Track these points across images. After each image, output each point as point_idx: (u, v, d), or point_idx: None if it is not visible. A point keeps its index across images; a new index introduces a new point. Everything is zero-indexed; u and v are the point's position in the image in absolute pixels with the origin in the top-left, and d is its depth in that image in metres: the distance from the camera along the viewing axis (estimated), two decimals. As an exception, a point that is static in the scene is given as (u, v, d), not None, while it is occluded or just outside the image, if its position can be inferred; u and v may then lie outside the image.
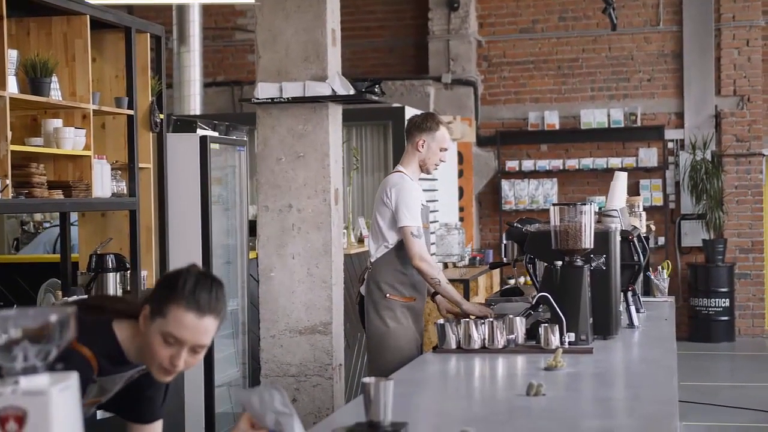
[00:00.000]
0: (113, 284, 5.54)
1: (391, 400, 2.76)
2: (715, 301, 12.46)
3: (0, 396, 1.73)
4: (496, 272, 11.55)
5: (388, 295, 5.34)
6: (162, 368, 2.66)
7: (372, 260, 5.46)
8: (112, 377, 2.76)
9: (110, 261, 5.57)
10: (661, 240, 12.80)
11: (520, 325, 4.43)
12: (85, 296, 5.21)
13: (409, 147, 5.51)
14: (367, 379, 2.77)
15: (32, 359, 1.77)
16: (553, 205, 4.56)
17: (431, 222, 10.41)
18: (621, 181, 5.68)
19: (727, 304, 12.48)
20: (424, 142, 5.44)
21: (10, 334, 1.76)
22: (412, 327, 5.39)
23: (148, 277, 6.02)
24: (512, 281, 12.38)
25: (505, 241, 5.26)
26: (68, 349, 2.58)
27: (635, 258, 5.13)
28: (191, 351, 2.64)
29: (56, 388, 1.76)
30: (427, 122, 5.48)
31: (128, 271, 5.73)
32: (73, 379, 1.81)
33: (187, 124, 6.66)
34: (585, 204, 4.50)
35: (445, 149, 5.51)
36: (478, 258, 11.36)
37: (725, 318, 12.50)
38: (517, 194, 13.16)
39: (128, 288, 5.73)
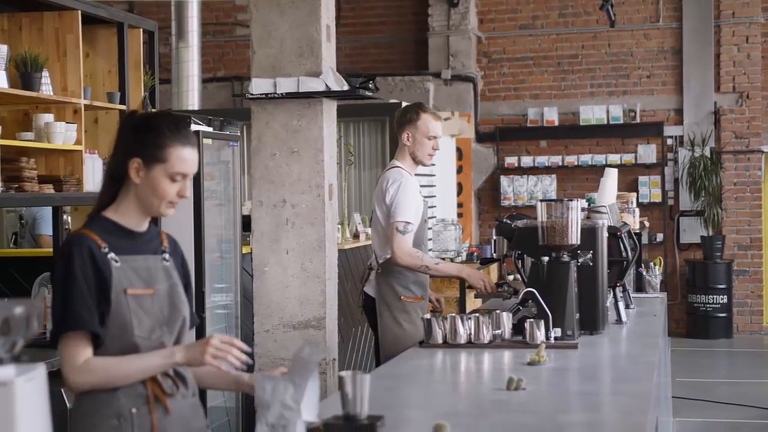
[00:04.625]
0: (104, 278, 5.55)
1: (367, 394, 2.79)
2: (713, 298, 12.47)
3: (-35, 387, 1.75)
4: (494, 268, 11.56)
5: (402, 297, 5.29)
6: (170, 203, 2.92)
7: (380, 261, 5.36)
8: (134, 257, 2.91)
9: (102, 255, 5.58)
10: (660, 236, 12.80)
11: (507, 320, 4.44)
12: None
13: (399, 141, 5.50)
14: (343, 373, 2.79)
15: (-2, 350, 1.80)
16: (540, 200, 4.57)
17: (429, 217, 10.45)
18: (611, 177, 5.70)
19: (725, 300, 12.49)
20: (408, 135, 5.41)
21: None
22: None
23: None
24: (511, 277, 12.39)
25: (494, 237, 5.27)
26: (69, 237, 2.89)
27: (623, 254, 5.14)
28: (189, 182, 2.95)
29: (21, 379, 1.78)
30: (407, 114, 5.45)
31: (120, 265, 5.74)
32: (39, 370, 1.83)
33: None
34: (572, 200, 4.51)
35: (434, 137, 5.42)
36: (476, 254, 11.37)
37: (723, 314, 12.51)
38: (516, 190, 13.18)
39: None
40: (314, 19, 6.06)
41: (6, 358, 1.79)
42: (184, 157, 2.88)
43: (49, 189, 5.10)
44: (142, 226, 2.98)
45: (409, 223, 5.22)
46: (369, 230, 8.42)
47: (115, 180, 2.94)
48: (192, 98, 10.54)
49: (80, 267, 2.82)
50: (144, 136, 2.89)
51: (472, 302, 9.22)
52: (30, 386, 1.79)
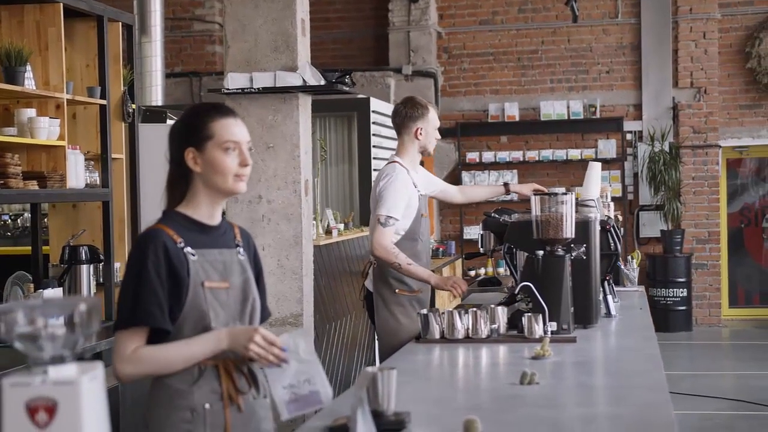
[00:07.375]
0: (86, 276, 5.46)
1: (394, 390, 2.76)
2: (673, 291, 12.60)
3: (29, 386, 1.71)
4: (458, 263, 11.60)
5: (397, 290, 5.25)
6: (236, 176, 2.93)
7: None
8: (209, 251, 2.93)
9: (84, 253, 5.49)
10: (620, 231, 12.88)
11: (502, 314, 4.43)
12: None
13: (406, 137, 5.40)
14: (371, 369, 2.76)
15: (60, 349, 1.74)
16: (534, 194, 4.57)
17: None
18: (596, 170, 5.71)
19: (685, 293, 12.63)
20: (420, 130, 5.39)
21: (38, 323, 1.73)
22: None
23: (121, 268, 5.95)
24: (473, 273, 12.43)
25: (481, 231, 5.24)
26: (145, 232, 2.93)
27: (612, 247, 5.16)
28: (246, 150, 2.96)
29: (86, 377, 1.73)
30: (417, 110, 5.40)
31: (101, 263, 5.66)
32: (99, 368, 1.78)
33: (156, 115, 6.60)
34: (566, 193, 4.51)
35: (437, 127, 5.52)
36: (441, 249, 11.40)
37: (683, 308, 12.65)
38: (477, 186, 13.19)
39: (101, 280, 5.66)
40: (289, 13, 6.03)
41: (68, 357, 1.74)
42: (229, 126, 2.93)
43: (33, 185, 5.00)
44: (214, 219, 3.00)
45: (390, 216, 5.15)
46: (341, 226, 8.40)
47: (179, 179, 2.96)
48: (156, 94, 10.39)
49: (153, 263, 2.83)
50: (188, 126, 2.96)
51: (442, 300, 9.23)
52: (93, 384, 1.75)
